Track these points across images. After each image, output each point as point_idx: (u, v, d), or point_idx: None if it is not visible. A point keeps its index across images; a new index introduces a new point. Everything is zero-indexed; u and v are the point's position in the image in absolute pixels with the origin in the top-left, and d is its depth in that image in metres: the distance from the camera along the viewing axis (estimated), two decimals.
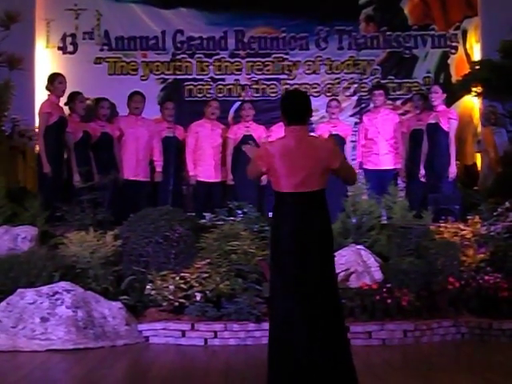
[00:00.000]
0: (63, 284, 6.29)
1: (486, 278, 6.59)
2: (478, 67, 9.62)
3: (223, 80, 10.61)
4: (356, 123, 10.13)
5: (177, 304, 6.36)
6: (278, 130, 8.59)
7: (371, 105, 9.74)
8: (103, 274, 6.57)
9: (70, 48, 10.41)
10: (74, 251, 6.68)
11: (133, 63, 10.51)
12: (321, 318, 4.11)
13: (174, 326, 6.24)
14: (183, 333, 6.20)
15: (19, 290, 6.22)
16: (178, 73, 10.56)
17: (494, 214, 7.53)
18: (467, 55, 10.67)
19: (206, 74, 10.59)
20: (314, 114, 4.59)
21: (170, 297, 6.35)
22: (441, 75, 10.66)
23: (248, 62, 10.64)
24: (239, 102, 10.21)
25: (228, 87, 10.60)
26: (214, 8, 10.53)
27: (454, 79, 10.48)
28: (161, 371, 5.27)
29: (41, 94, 9.16)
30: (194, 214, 7.88)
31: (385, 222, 7.58)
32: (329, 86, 10.64)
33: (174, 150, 8.73)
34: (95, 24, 10.45)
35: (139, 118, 8.75)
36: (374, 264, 6.81)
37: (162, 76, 10.54)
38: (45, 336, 5.92)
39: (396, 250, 6.98)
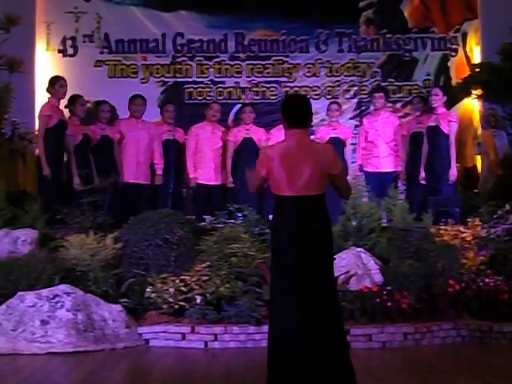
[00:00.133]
0: (63, 287, 6.28)
1: (487, 280, 6.58)
2: (477, 70, 9.63)
3: (223, 83, 10.63)
4: (356, 126, 10.15)
5: (177, 307, 6.36)
6: (278, 133, 8.59)
7: (371, 107, 9.75)
8: (103, 277, 6.56)
9: (70, 51, 10.43)
10: (74, 254, 6.68)
11: (133, 66, 10.53)
12: (320, 320, 4.12)
13: (174, 329, 6.23)
14: (183, 336, 6.20)
15: (19, 293, 6.21)
16: (178, 75, 10.58)
17: (495, 216, 7.52)
18: (467, 58, 10.68)
19: (206, 77, 10.61)
20: (314, 116, 4.60)
21: (170, 299, 6.35)
22: (441, 78, 10.68)
23: (248, 64, 10.66)
24: (239, 105, 10.22)
25: (228, 90, 10.61)
26: (214, 11, 10.55)
27: (454, 82, 10.49)
28: (161, 374, 5.27)
29: (41, 97, 9.17)
30: (194, 216, 7.88)
31: (385, 224, 7.57)
32: (329, 88, 10.65)
33: (174, 153, 8.73)
34: (95, 27, 10.47)
35: (140, 121, 8.75)
36: (374, 266, 6.81)
37: (162, 79, 10.56)
38: (45, 339, 5.91)
39: (396, 252, 6.98)
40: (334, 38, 10.67)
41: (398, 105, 10.58)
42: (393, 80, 10.68)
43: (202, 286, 6.43)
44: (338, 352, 4.15)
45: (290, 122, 4.35)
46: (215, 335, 6.16)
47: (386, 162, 8.92)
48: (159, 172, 8.70)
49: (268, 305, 5.08)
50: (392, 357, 5.85)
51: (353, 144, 9.41)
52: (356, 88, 10.66)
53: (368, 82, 10.64)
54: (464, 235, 7.21)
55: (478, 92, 9.50)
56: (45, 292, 6.20)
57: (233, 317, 6.26)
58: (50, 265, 6.55)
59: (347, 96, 10.64)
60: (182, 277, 6.52)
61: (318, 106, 9.81)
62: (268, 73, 10.67)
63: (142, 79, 10.52)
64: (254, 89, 10.64)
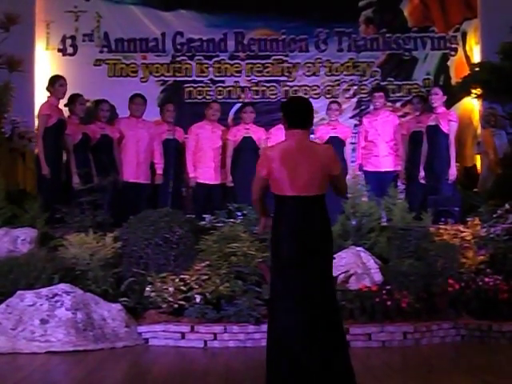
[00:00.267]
0: (63, 286, 6.28)
1: (486, 279, 6.59)
2: (477, 69, 9.62)
3: (223, 82, 10.62)
4: (356, 125, 10.15)
5: (176, 306, 6.36)
6: (278, 133, 8.60)
7: (371, 107, 9.75)
8: (103, 276, 6.57)
9: (70, 50, 10.42)
10: (74, 253, 6.68)
11: (132, 65, 10.52)
12: (320, 320, 4.12)
13: (174, 328, 6.24)
14: (183, 335, 6.21)
15: (19, 292, 6.21)
16: (177, 75, 10.57)
17: (494, 215, 7.53)
18: (467, 57, 10.67)
19: (206, 76, 10.60)
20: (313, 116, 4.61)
21: (170, 299, 6.35)
22: (440, 77, 10.67)
23: (248, 63, 10.65)
24: (239, 104, 10.22)
25: (228, 89, 10.61)
26: (213, 10, 10.54)
27: (453, 81, 10.48)
28: (160, 373, 5.28)
29: (41, 96, 9.17)
30: (193, 215, 7.88)
31: (384, 223, 7.58)
32: (328, 87, 10.64)
33: (174, 152, 8.73)
34: (95, 26, 10.46)
35: (140, 121, 8.74)
36: (374, 266, 6.81)
37: (162, 78, 10.55)
38: (44, 338, 5.91)
39: (396, 251, 6.98)
40: (333, 38, 10.66)
41: (398, 104, 10.57)
42: (392, 79, 10.67)
43: (201, 286, 6.43)
44: (338, 352, 4.15)
45: (290, 123, 4.36)
46: (215, 334, 6.17)
47: (385, 161, 8.92)
48: (159, 171, 8.69)
49: (268, 304, 5.09)
50: (391, 356, 5.85)
51: (352, 143, 9.41)
52: (356, 87, 10.65)
53: (368, 82, 10.64)
54: (463, 234, 7.21)
55: (478, 91, 9.50)
56: (44, 291, 6.20)
57: (232, 316, 6.26)
58: (49, 264, 6.56)
59: (347, 95, 10.63)
60: (182, 276, 6.53)
61: (318, 106, 9.78)
62: (268, 72, 10.66)
63: (141, 78, 10.51)
64: (254, 88, 10.63)
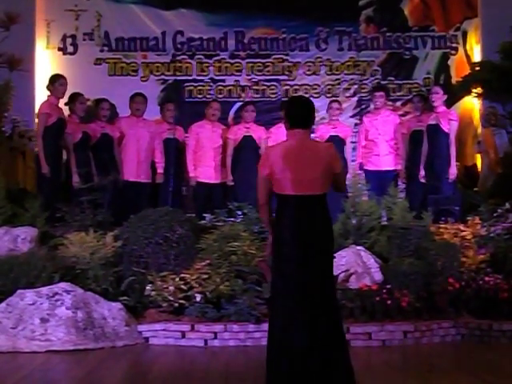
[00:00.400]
0: (63, 285, 6.29)
1: (486, 279, 6.59)
2: (478, 68, 9.63)
3: (223, 81, 10.61)
4: (356, 124, 10.14)
5: (177, 305, 6.37)
6: (278, 132, 8.60)
7: (371, 106, 9.75)
8: (103, 275, 6.57)
9: (70, 49, 10.41)
10: (74, 252, 6.68)
11: (133, 64, 10.51)
12: (320, 318, 4.13)
13: (174, 327, 6.24)
14: (183, 334, 6.21)
15: (19, 291, 6.22)
16: (178, 74, 10.55)
17: (494, 215, 7.53)
18: (467, 56, 10.67)
19: (206, 75, 10.59)
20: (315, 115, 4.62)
21: (170, 298, 6.36)
22: (441, 76, 10.66)
23: (248, 62, 10.64)
24: (239, 103, 10.22)
25: (228, 88, 10.60)
26: (214, 9, 10.53)
27: (454, 80, 10.48)
28: (161, 372, 5.28)
29: (41, 95, 9.16)
30: (194, 214, 7.88)
31: (385, 222, 7.58)
32: (329, 87, 10.64)
33: (174, 152, 8.73)
34: (95, 25, 10.45)
35: (140, 120, 8.74)
36: (374, 265, 6.81)
37: (162, 77, 10.54)
38: (44, 337, 5.92)
39: (396, 250, 6.99)
40: (334, 37, 10.65)
41: (398, 103, 10.56)
42: (393, 78, 10.66)
43: (201, 284, 6.44)
44: (338, 351, 4.15)
45: (292, 122, 4.37)
46: (215, 333, 6.17)
47: (386, 160, 8.92)
48: (160, 170, 8.69)
49: (268, 303, 5.09)
50: (392, 355, 5.85)
51: (353, 142, 9.41)
52: (356, 86, 10.64)
53: (368, 81, 10.63)
54: (464, 234, 7.21)
55: (478, 90, 9.51)
56: (44, 290, 6.20)
57: (232, 315, 6.27)
58: (49, 263, 6.56)
59: (347, 94, 10.62)
60: (182, 275, 6.53)
61: (318, 105, 9.70)
62: (268, 71, 10.65)
63: (142, 77, 10.50)
64: (254, 87, 10.62)
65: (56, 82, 8.11)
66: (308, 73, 10.66)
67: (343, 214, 7.36)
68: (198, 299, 6.36)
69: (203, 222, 7.66)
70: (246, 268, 6.64)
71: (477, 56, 10.56)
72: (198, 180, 8.79)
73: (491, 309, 6.41)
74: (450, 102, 9.35)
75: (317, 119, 9.55)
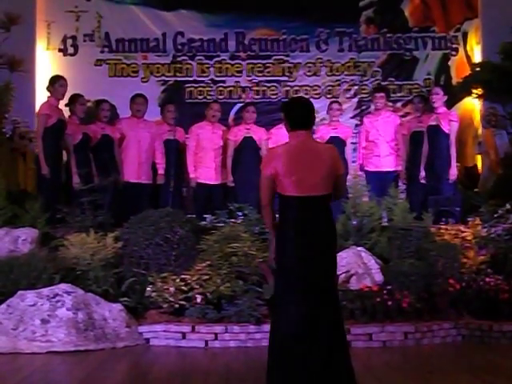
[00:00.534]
0: (64, 286, 6.29)
1: (487, 279, 6.59)
2: (478, 69, 9.63)
3: (224, 82, 10.61)
4: (357, 125, 10.14)
5: (177, 306, 6.37)
6: (278, 133, 8.61)
7: (372, 107, 9.75)
8: (104, 276, 6.57)
9: (71, 50, 10.42)
10: (75, 253, 6.68)
11: (133, 65, 10.51)
12: (322, 319, 4.13)
13: (175, 328, 6.24)
14: (184, 335, 6.21)
15: (20, 292, 6.22)
16: (178, 75, 10.56)
17: (495, 215, 7.53)
18: (468, 57, 10.67)
19: (207, 76, 10.59)
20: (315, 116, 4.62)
21: (171, 299, 6.35)
22: (441, 77, 10.66)
23: (248, 63, 10.64)
24: (240, 104, 10.22)
25: (228, 89, 10.60)
26: (214, 10, 10.53)
27: (454, 81, 10.48)
28: (161, 373, 5.28)
29: (41, 96, 9.16)
30: (194, 215, 7.88)
31: (385, 223, 7.57)
32: (329, 87, 10.64)
33: (175, 152, 8.72)
34: (96, 26, 10.45)
35: (141, 121, 8.74)
36: (375, 266, 6.81)
37: (163, 78, 10.55)
38: (45, 338, 5.92)
39: (396, 251, 6.98)
40: (334, 38, 10.65)
41: (399, 104, 10.56)
42: (393, 79, 10.66)
43: (202, 286, 6.44)
44: (339, 351, 4.15)
45: (292, 124, 4.37)
46: (215, 334, 6.17)
47: (386, 161, 8.92)
48: (161, 171, 8.69)
49: (270, 303, 5.10)
50: (392, 356, 5.85)
51: (353, 143, 9.42)
52: (356, 87, 10.64)
53: (368, 82, 10.63)
54: (464, 234, 7.21)
55: (479, 91, 9.51)
56: (45, 291, 6.20)
57: (233, 316, 6.27)
58: (50, 264, 6.56)
59: (348, 95, 10.63)
60: (183, 276, 6.53)
61: (319, 106, 9.73)
62: (268, 72, 10.66)
63: (142, 78, 10.50)
64: (255, 88, 10.62)
65: (56, 83, 8.12)
66: (308, 74, 10.66)
67: (344, 214, 7.36)
68: (198, 300, 6.35)
69: (204, 223, 7.66)
70: (247, 269, 6.64)
71: (477, 57, 10.56)
72: (198, 181, 8.79)
73: (492, 310, 6.41)
74: (450, 103, 9.35)
75: (317, 120, 9.52)
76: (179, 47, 10.58)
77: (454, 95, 9.84)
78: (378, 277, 6.71)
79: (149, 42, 10.54)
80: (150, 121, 8.93)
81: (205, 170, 8.80)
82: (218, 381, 5.03)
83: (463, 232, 7.26)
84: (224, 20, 10.57)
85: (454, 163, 8.52)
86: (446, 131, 8.54)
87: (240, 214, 7.66)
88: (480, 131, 10.16)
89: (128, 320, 6.28)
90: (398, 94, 10.61)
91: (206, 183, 8.80)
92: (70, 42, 10.41)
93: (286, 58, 10.66)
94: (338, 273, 6.19)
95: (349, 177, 7.82)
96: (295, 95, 10.24)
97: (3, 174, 8.01)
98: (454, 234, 7.23)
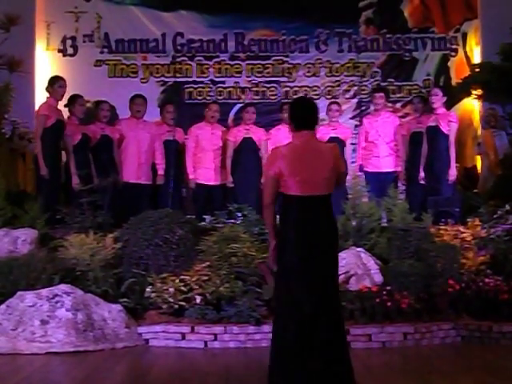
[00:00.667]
0: (63, 287, 6.28)
1: (486, 280, 6.59)
2: (477, 70, 9.63)
3: (223, 82, 10.63)
4: (356, 126, 10.15)
5: (177, 307, 6.36)
6: (278, 133, 8.63)
7: (371, 107, 9.75)
8: (103, 277, 6.56)
9: (70, 50, 10.44)
10: (74, 254, 6.67)
11: (133, 66, 10.53)
12: (323, 319, 4.14)
13: (174, 329, 6.23)
14: (183, 335, 6.20)
15: (19, 293, 6.21)
16: (178, 75, 10.58)
17: (494, 216, 7.52)
18: (467, 58, 10.68)
19: (206, 77, 10.61)
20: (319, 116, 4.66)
21: (170, 299, 6.35)
22: (441, 78, 10.68)
23: (248, 64, 10.66)
24: (240, 105, 10.22)
25: (228, 90, 10.62)
26: (214, 11, 10.55)
27: (453, 82, 10.49)
28: (160, 374, 5.28)
29: (41, 97, 9.16)
30: (193, 216, 7.88)
31: (385, 224, 7.57)
32: (329, 88, 10.65)
33: (174, 153, 8.72)
34: (95, 26, 10.47)
35: (140, 121, 8.73)
36: (374, 266, 6.81)
37: (162, 78, 10.56)
38: (45, 339, 5.91)
39: (396, 252, 6.98)
40: (333, 38, 10.67)
41: (398, 105, 10.58)
42: (393, 80, 10.68)
43: (201, 286, 6.43)
44: (339, 352, 4.17)
45: (297, 124, 4.38)
46: (215, 335, 6.17)
47: (386, 161, 8.92)
48: (161, 172, 8.68)
49: (271, 305, 5.10)
50: (392, 357, 5.85)
51: (353, 144, 9.41)
52: (356, 88, 10.66)
53: (368, 82, 10.65)
54: (464, 235, 7.21)
55: (478, 92, 9.51)
56: (44, 292, 6.20)
57: (232, 317, 6.26)
58: (49, 264, 6.56)
59: (347, 96, 10.64)
60: (182, 277, 6.52)
61: (318, 106, 9.72)
62: (268, 73, 10.67)
63: (141, 79, 10.52)
64: (254, 89, 10.64)
65: (55, 84, 8.11)
66: (308, 74, 10.68)
67: (343, 215, 7.35)
68: (197, 301, 6.35)
69: (203, 223, 7.65)
70: (246, 270, 6.64)
71: (477, 57, 10.58)
72: (197, 182, 8.78)
73: (491, 310, 6.41)
74: (449, 104, 9.36)
75: None
76: (179, 48, 10.60)
77: (454, 96, 9.85)
78: (378, 277, 6.71)
79: (148, 43, 10.56)
80: (150, 121, 8.93)
81: (204, 170, 8.80)
82: (217, 381, 5.03)
83: (463, 233, 7.25)
84: (223, 21, 10.59)
85: (453, 164, 8.52)
86: (446, 132, 8.54)
87: (239, 214, 7.66)
88: (479, 132, 10.17)
89: (127, 321, 6.28)
90: (398, 95, 10.64)
91: (206, 184, 8.80)
92: (69, 42, 10.43)
93: (285, 59, 10.68)
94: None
95: (348, 177, 7.80)
96: (295, 96, 10.26)
97: (2, 174, 8.01)
98: (453, 234, 7.22)
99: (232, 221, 7.51)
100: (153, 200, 8.53)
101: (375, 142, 8.98)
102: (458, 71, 10.55)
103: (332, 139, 8.74)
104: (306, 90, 10.55)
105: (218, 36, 10.61)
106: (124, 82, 10.38)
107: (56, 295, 6.16)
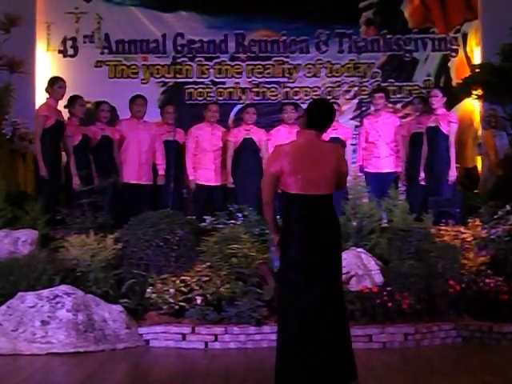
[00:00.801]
0: (63, 287, 6.28)
1: (487, 281, 6.59)
2: (478, 70, 9.63)
3: (223, 83, 10.63)
4: (356, 126, 10.15)
5: (177, 307, 6.36)
6: (278, 134, 8.63)
7: (372, 108, 9.75)
8: (103, 278, 6.56)
9: (71, 51, 10.44)
10: (75, 254, 6.68)
11: (133, 66, 10.53)
12: (328, 319, 4.17)
13: (175, 330, 6.23)
14: (183, 336, 6.20)
15: (19, 294, 6.21)
16: (178, 76, 10.58)
17: (495, 217, 7.52)
18: (467, 58, 10.68)
19: (207, 78, 10.62)
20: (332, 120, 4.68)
21: (171, 300, 6.35)
22: (441, 78, 10.68)
23: (248, 65, 10.66)
24: (240, 106, 10.22)
25: (228, 90, 10.62)
26: (214, 11, 10.56)
27: (454, 82, 10.50)
28: (161, 375, 5.28)
29: (41, 98, 9.16)
30: (194, 217, 7.88)
31: (385, 225, 7.57)
32: (329, 89, 10.66)
33: (175, 154, 8.72)
34: (96, 27, 10.48)
35: (141, 122, 8.73)
36: (375, 267, 6.81)
37: (163, 79, 10.57)
38: (45, 339, 5.91)
39: (396, 253, 6.98)
40: (334, 39, 10.68)
41: (399, 105, 10.58)
42: (393, 80, 10.68)
43: (202, 287, 6.43)
44: (342, 350, 4.22)
45: (309, 123, 4.39)
46: (215, 336, 6.17)
47: (386, 162, 8.91)
48: (161, 172, 8.68)
49: (274, 305, 5.11)
50: (392, 357, 5.84)
51: (353, 144, 9.42)
52: (356, 88, 10.66)
53: (368, 83, 10.65)
54: (464, 236, 7.20)
55: (479, 92, 9.51)
56: (45, 292, 6.20)
57: (233, 317, 6.26)
58: (50, 265, 6.55)
59: (347, 96, 10.65)
60: (183, 277, 6.52)
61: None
62: (268, 73, 10.68)
63: (142, 80, 10.52)
64: (255, 89, 10.64)
65: (55, 85, 8.11)
66: (308, 75, 10.69)
67: (344, 216, 7.34)
68: (198, 301, 6.35)
69: (203, 224, 7.65)
70: (247, 270, 6.64)
71: (477, 58, 10.59)
72: (197, 182, 8.78)
73: (492, 311, 6.41)
74: (450, 104, 9.35)
75: None
76: (179, 48, 10.61)
77: (454, 96, 9.85)
78: (378, 278, 6.71)
79: (149, 44, 10.57)
80: (150, 122, 8.92)
81: (204, 171, 8.80)
82: (217, 382, 5.02)
83: (463, 233, 7.25)
84: (224, 21, 10.60)
85: (453, 164, 8.52)
86: (446, 132, 8.53)
87: (240, 215, 7.66)
88: (480, 132, 10.18)
89: (128, 321, 6.28)
90: (398, 96, 10.64)
91: (206, 184, 8.79)
92: (69, 43, 10.44)
93: (285, 60, 10.69)
94: None
95: (349, 178, 7.79)
96: (296, 96, 10.30)
97: (3, 175, 8.01)
98: (453, 235, 7.22)
99: (232, 221, 7.51)
100: (153, 201, 8.53)
101: (375, 143, 8.98)
102: (458, 72, 10.55)
103: (332, 139, 8.73)
104: (306, 91, 10.56)
105: (219, 37, 10.62)
106: (124, 82, 10.39)
107: (56, 296, 6.16)
